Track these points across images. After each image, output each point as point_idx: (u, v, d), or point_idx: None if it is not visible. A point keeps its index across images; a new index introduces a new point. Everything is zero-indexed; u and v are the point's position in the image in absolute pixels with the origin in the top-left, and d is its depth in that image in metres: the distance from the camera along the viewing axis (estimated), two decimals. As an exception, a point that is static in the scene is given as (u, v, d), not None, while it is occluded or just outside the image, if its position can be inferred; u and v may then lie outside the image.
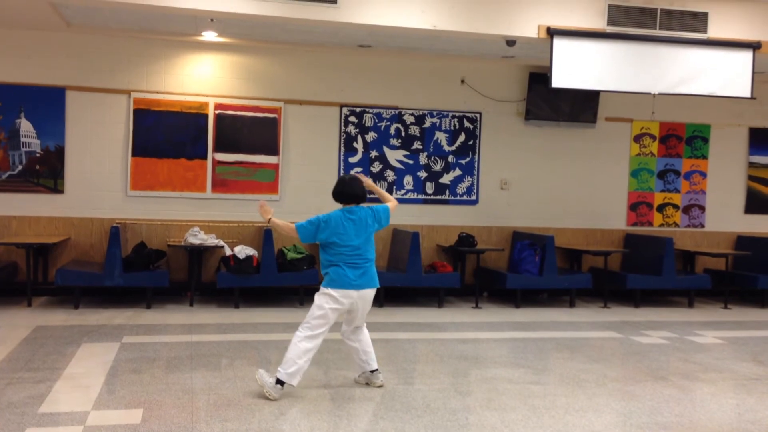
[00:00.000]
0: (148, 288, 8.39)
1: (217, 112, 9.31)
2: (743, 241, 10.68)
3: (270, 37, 9.04)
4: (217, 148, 9.32)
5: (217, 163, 9.32)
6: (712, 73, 8.61)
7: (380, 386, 5.36)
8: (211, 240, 8.83)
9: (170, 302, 8.78)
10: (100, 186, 9.07)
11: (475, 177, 10.10)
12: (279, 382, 4.99)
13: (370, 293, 5.19)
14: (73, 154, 8.99)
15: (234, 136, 9.36)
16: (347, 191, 5.26)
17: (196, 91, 9.28)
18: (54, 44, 8.89)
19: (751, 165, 10.97)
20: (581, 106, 10.15)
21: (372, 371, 5.37)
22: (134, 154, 9.10)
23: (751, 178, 10.98)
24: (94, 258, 8.96)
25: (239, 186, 9.39)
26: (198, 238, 8.75)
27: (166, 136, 9.18)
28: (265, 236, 8.70)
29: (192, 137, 9.25)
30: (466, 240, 9.50)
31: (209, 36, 8.97)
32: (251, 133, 9.41)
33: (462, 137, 10.05)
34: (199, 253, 8.92)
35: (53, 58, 8.90)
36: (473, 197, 10.10)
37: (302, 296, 8.93)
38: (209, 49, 9.31)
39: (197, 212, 9.26)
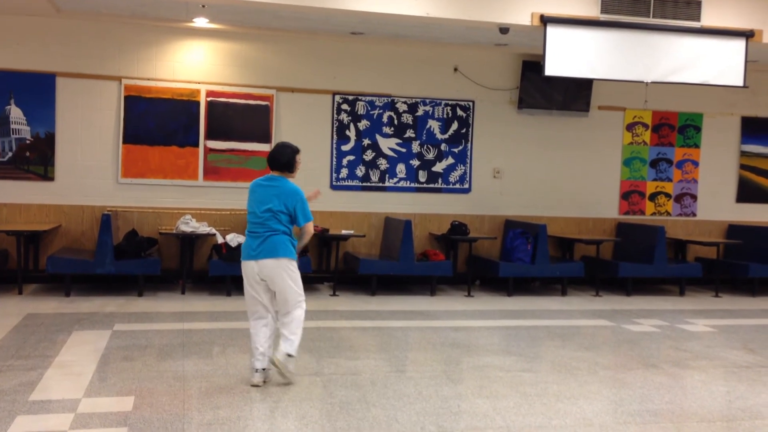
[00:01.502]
0: (140, 276, 8.36)
1: (208, 99, 9.25)
2: (734, 230, 10.72)
3: (262, 24, 8.98)
4: (209, 136, 9.26)
5: (208, 151, 9.27)
6: (705, 62, 8.61)
7: (254, 385, 4.97)
8: (203, 228, 8.80)
9: (162, 290, 8.75)
10: (91, 173, 9.01)
11: (468, 165, 10.09)
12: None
13: (271, 264, 4.90)
14: (64, 141, 8.93)
15: (226, 124, 9.31)
16: (270, 156, 5.18)
17: (188, 78, 9.22)
18: (44, 30, 8.80)
19: (743, 154, 10.99)
20: (574, 94, 10.14)
21: (256, 369, 5.01)
22: (125, 141, 9.04)
23: (743, 167, 11.00)
24: (85, 246, 8.91)
25: (231, 174, 9.35)
26: (190, 225, 8.71)
27: (158, 123, 9.12)
28: (258, 224, 8.65)
29: (183, 125, 9.20)
30: (458, 228, 9.50)
31: (201, 22, 8.90)
32: (243, 121, 9.36)
33: (455, 125, 10.02)
34: (190, 240, 8.89)
35: (43, 44, 8.82)
36: (466, 186, 10.09)
37: (294, 284, 8.91)
38: (201, 35, 9.24)
39: (189, 200, 9.22)
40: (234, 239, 8.66)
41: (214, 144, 9.28)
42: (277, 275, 4.97)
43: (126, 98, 9.02)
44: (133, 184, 9.08)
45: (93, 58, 8.96)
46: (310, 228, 5.13)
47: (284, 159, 5.12)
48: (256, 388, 4.95)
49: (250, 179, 9.30)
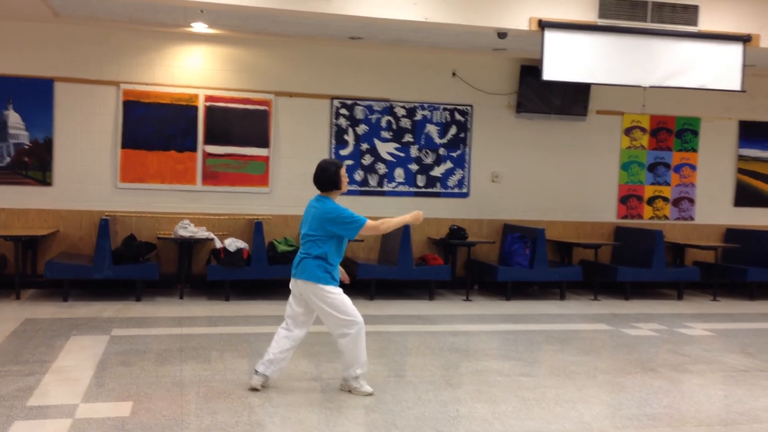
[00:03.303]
0: (138, 280, 8.36)
1: (207, 104, 9.26)
2: (732, 234, 10.73)
3: (261, 29, 8.99)
4: (208, 141, 9.27)
5: (207, 156, 9.27)
6: (703, 66, 8.62)
7: (252, 388, 4.99)
8: (202, 232, 8.80)
9: (160, 295, 8.75)
10: (89, 178, 9.01)
11: (466, 170, 10.10)
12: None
13: (303, 286, 4.91)
14: (62, 146, 8.93)
15: (224, 129, 9.31)
16: (314, 177, 5.08)
17: (186, 83, 9.23)
18: (42, 35, 8.81)
19: (741, 158, 11.01)
20: (572, 99, 10.16)
21: (257, 371, 5.02)
22: (124, 146, 9.04)
23: (740, 171, 11.02)
24: (83, 250, 8.91)
25: (230, 178, 9.35)
26: (188, 230, 8.71)
27: (156, 128, 9.12)
28: (256, 229, 8.67)
29: (182, 129, 9.20)
30: (456, 233, 9.50)
31: (199, 27, 8.91)
32: (242, 126, 9.37)
33: (453, 130, 10.03)
34: (189, 245, 8.88)
35: (41, 49, 8.83)
36: (464, 190, 10.10)
37: (293, 289, 8.92)
38: (199, 40, 9.25)
39: (187, 205, 9.22)
40: (232, 244, 8.66)
41: (212, 149, 9.28)
42: (311, 301, 4.95)
43: (124, 103, 9.03)
44: (131, 189, 9.08)
45: (91, 63, 8.97)
46: (370, 228, 4.89)
47: (326, 176, 4.99)
48: (255, 393, 4.94)
49: (248, 184, 9.43)
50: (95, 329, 6.82)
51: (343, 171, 5.06)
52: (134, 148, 9.06)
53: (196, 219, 9.13)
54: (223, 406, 4.68)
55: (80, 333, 6.63)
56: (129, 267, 8.31)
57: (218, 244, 8.73)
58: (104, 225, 8.12)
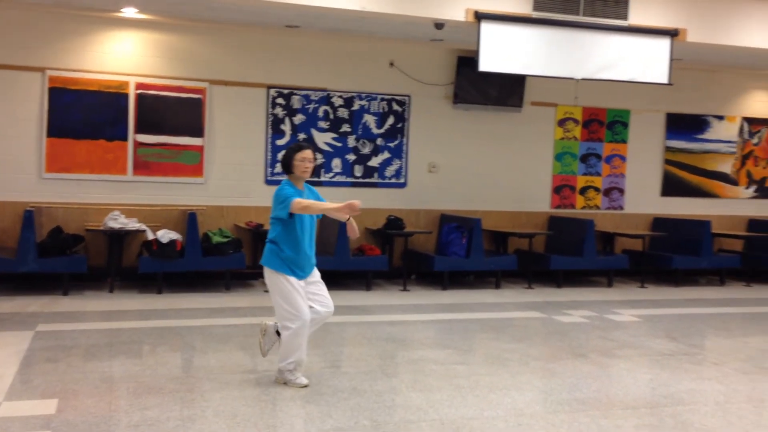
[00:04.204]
0: (65, 274, 8.09)
1: (138, 91, 9.00)
2: (659, 223, 11.10)
3: (194, 15, 8.78)
4: (139, 130, 9.01)
5: (138, 145, 9.02)
6: (632, 60, 8.87)
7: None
8: (132, 224, 8.57)
9: (89, 289, 8.48)
10: (13, 168, 8.64)
11: (404, 160, 10.12)
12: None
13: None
14: (-17, 134, 8.54)
15: (156, 117, 9.07)
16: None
17: (117, 70, 8.94)
18: (-40, 17, 8.40)
19: (668, 149, 11.38)
20: (508, 90, 10.29)
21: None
22: (50, 134, 8.70)
23: (667, 161, 11.39)
24: (6, 243, 8.54)
25: (162, 168, 9.12)
26: (118, 222, 8.47)
27: (84, 116, 8.82)
28: (190, 220, 8.50)
29: (112, 118, 8.92)
30: (394, 223, 9.53)
31: (129, 12, 8.64)
32: (175, 114, 9.14)
33: (391, 120, 10.04)
34: (119, 237, 8.63)
35: (-41, 32, 8.41)
36: (402, 180, 10.13)
37: (228, 280, 8.79)
38: (130, 26, 8.97)
39: (118, 195, 8.96)
40: (165, 235, 8.47)
41: (144, 138, 9.03)
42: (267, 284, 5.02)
43: (50, 90, 8.69)
44: (57, 179, 8.76)
45: (14, 47, 8.59)
46: (296, 207, 4.76)
47: (284, 159, 5.02)
48: (186, 388, 4.85)
49: (181, 174, 9.23)
50: (19, 324, 6.57)
51: (299, 155, 4.97)
52: (61, 137, 8.74)
53: (127, 210, 8.88)
54: (154, 401, 4.57)
55: (3, 329, 6.38)
56: (55, 260, 8.04)
57: (150, 236, 8.52)
58: (28, 216, 7.83)
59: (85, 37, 8.84)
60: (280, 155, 9.50)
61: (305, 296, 4.95)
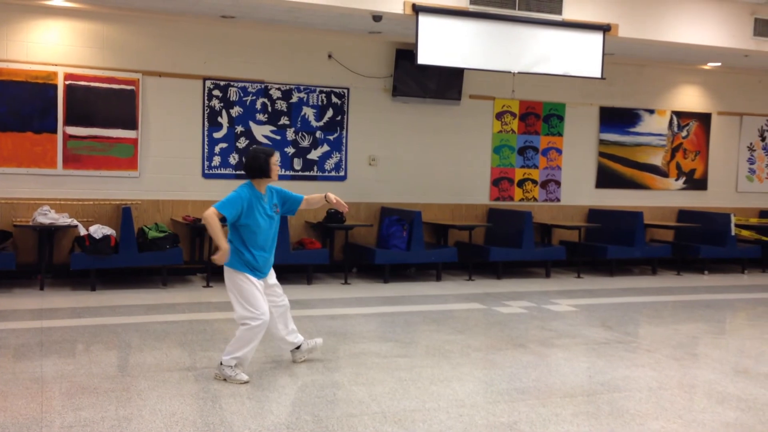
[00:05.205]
0: (-8, 272, 7.76)
1: (67, 82, 8.68)
2: (594, 214, 11.37)
3: (125, 4, 8.52)
4: (69, 122, 8.70)
5: (68, 138, 8.71)
6: (566, 54, 9.04)
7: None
8: (63, 219, 8.27)
9: (17, 286, 8.16)
10: (-67, 162, 8.24)
11: (344, 153, 10.08)
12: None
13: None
14: None
15: (87, 109, 8.77)
16: (244, 163, 5.27)
17: (44, 60, 8.60)
18: None
19: (602, 142, 11.66)
20: (447, 83, 10.35)
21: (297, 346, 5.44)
22: (-27, 126, 8.33)
23: (601, 154, 11.67)
24: (-73, 241, 8.15)
25: (94, 162, 8.83)
26: (48, 217, 8.17)
27: (10, 107, 8.46)
28: (124, 215, 8.26)
29: (39, 109, 8.58)
30: (334, 216, 9.48)
31: (57, 0, 8.31)
32: (107, 106, 8.86)
33: (330, 113, 9.97)
34: (49, 233, 8.33)
35: None
36: (341, 173, 10.08)
37: (165, 276, 8.59)
38: (57, 14, 8.64)
39: (47, 190, 8.63)
40: (98, 231, 8.21)
41: (74, 130, 8.72)
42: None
43: (-28, 80, 8.31)
44: (-18, 173, 8.39)
45: (-68, 35, 8.17)
46: (206, 216, 4.88)
47: (256, 164, 5.05)
48: (123, 387, 4.71)
49: (114, 167, 8.96)
50: (-58, 326, 6.26)
51: (274, 158, 5.12)
52: (-15, 129, 8.36)
53: (57, 205, 8.57)
54: (88, 401, 4.42)
55: (-76, 331, 6.07)
56: (-19, 258, 7.68)
57: (82, 231, 8.24)
58: (-49, 212, 7.46)
59: (10, 26, 8.47)
60: (217, 148, 9.34)
61: (264, 295, 5.02)
